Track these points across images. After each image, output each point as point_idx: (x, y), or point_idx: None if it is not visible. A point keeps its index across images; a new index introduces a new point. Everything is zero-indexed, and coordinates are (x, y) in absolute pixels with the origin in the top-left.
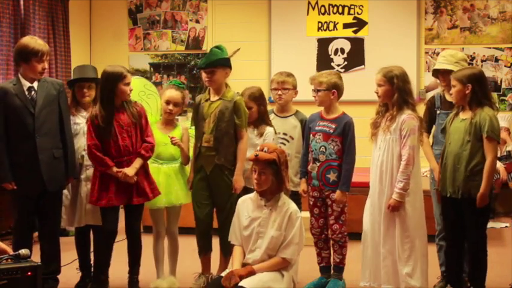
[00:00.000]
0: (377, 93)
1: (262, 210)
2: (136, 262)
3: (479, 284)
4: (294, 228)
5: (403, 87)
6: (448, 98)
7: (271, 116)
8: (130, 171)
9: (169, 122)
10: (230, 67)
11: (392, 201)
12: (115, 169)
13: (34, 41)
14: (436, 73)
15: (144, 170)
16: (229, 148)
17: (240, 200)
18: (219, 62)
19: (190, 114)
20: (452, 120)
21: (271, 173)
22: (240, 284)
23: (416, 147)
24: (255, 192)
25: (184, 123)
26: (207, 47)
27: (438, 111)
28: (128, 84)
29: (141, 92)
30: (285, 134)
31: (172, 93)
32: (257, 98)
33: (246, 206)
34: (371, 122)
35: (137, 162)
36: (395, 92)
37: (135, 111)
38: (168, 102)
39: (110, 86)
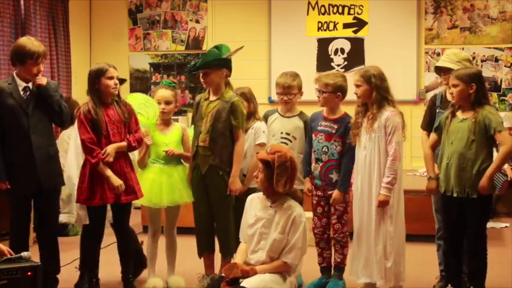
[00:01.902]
0: (356, 94)
1: (267, 210)
2: (128, 261)
3: (479, 284)
4: (298, 232)
5: (381, 85)
6: (449, 97)
7: (275, 116)
8: (111, 149)
9: (166, 122)
10: (227, 67)
11: (381, 196)
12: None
13: (31, 42)
14: (439, 71)
15: (132, 169)
16: (224, 149)
17: (249, 197)
18: (213, 63)
19: (190, 114)
20: (450, 119)
21: (264, 173)
22: (242, 284)
23: (401, 142)
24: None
25: (183, 123)
26: (207, 47)
27: (438, 110)
28: (111, 78)
29: (141, 104)
30: (287, 134)
31: (163, 93)
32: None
33: (255, 205)
34: (351, 122)
35: (121, 144)
36: (374, 90)
37: (125, 110)
38: (159, 102)
39: (94, 82)
